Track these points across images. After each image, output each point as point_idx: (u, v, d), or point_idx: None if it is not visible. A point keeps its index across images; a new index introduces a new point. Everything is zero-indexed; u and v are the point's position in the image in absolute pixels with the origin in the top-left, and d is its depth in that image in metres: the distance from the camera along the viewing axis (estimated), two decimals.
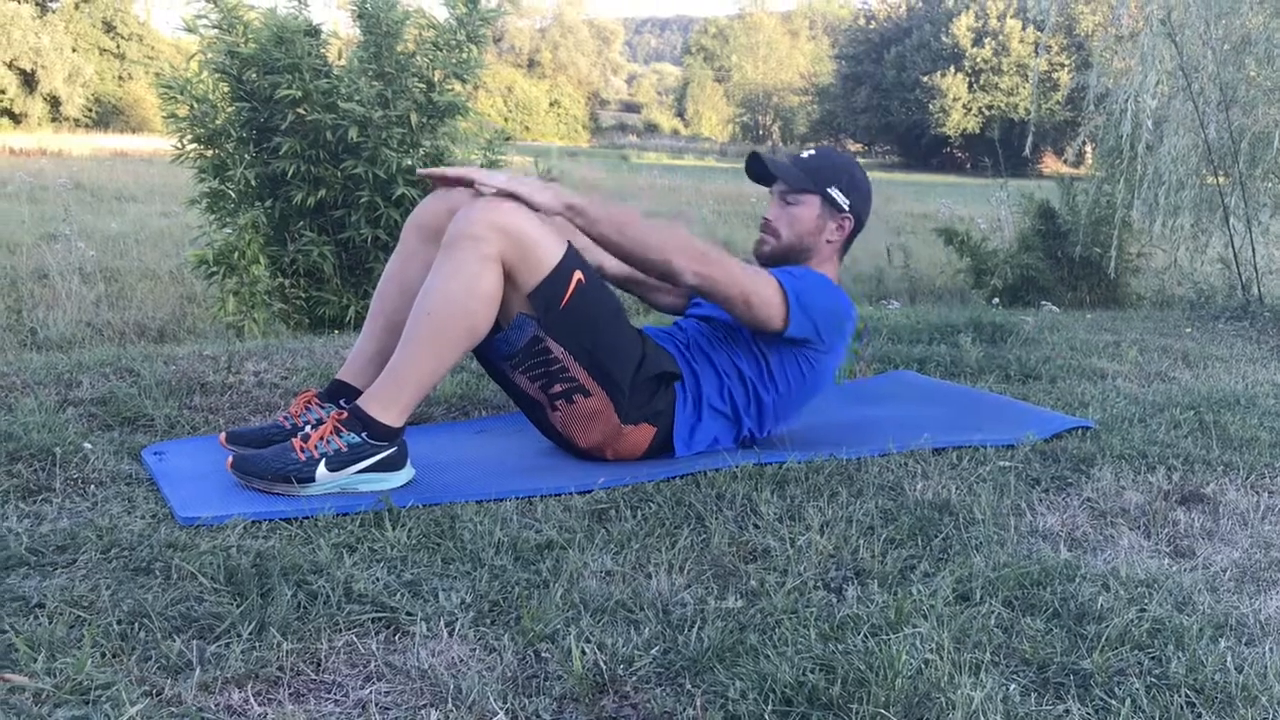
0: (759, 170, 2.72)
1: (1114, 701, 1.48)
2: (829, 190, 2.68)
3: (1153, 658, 1.61)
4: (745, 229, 15.43)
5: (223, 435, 2.43)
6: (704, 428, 2.58)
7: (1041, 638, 1.65)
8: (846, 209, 2.70)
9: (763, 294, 2.48)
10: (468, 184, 2.36)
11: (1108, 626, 1.68)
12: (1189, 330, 5.04)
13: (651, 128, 72.17)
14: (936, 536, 2.07)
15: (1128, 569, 1.93)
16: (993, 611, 1.74)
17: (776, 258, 2.70)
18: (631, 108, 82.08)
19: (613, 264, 2.69)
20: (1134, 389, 3.47)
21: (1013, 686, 1.51)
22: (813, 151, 2.78)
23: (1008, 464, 2.56)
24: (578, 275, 2.34)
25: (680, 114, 74.73)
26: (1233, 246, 6.60)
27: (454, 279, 2.23)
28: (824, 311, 2.59)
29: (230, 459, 2.22)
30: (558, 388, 2.41)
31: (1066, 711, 1.46)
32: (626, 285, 2.83)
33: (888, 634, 1.63)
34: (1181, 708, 1.47)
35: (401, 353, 2.26)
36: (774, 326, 2.53)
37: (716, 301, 2.48)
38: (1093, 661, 1.57)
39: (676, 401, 2.54)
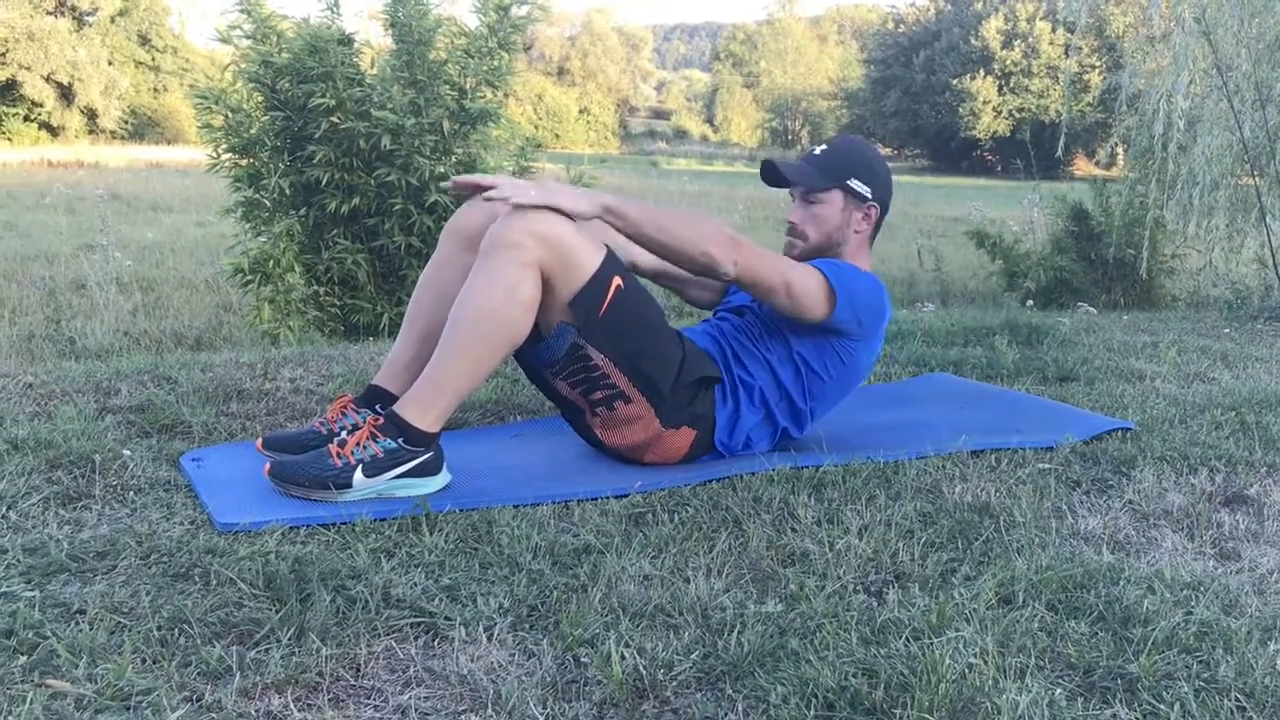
0: (775, 176, 2.65)
1: (1162, 706, 1.46)
2: (849, 183, 2.64)
3: (1201, 661, 1.58)
4: (776, 233, 15.41)
5: (259, 441, 2.43)
6: (741, 425, 2.57)
7: (1086, 641, 1.63)
8: (870, 198, 2.66)
9: (804, 282, 2.47)
10: (497, 196, 2.29)
11: (1154, 630, 1.65)
12: (1227, 331, 4.98)
13: (681, 134, 72.20)
14: (977, 539, 2.05)
15: (1172, 571, 1.90)
16: (1036, 615, 1.72)
17: (807, 258, 2.65)
18: (661, 114, 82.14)
19: (646, 259, 2.69)
20: (1173, 390, 3.43)
21: (1058, 691, 1.49)
22: (824, 147, 2.73)
23: (1047, 466, 2.53)
24: (616, 281, 2.34)
25: (709, 120, 74.79)
26: (1270, 246, 6.53)
27: (493, 286, 2.22)
28: (864, 299, 2.56)
29: (268, 465, 2.23)
30: (598, 394, 2.40)
31: (1114, 716, 1.44)
32: (660, 279, 2.81)
33: (930, 638, 1.61)
34: (1232, 712, 1.45)
35: (439, 359, 2.26)
36: (816, 314, 2.51)
37: (758, 293, 2.46)
38: (1139, 665, 1.55)
39: (716, 401, 2.54)
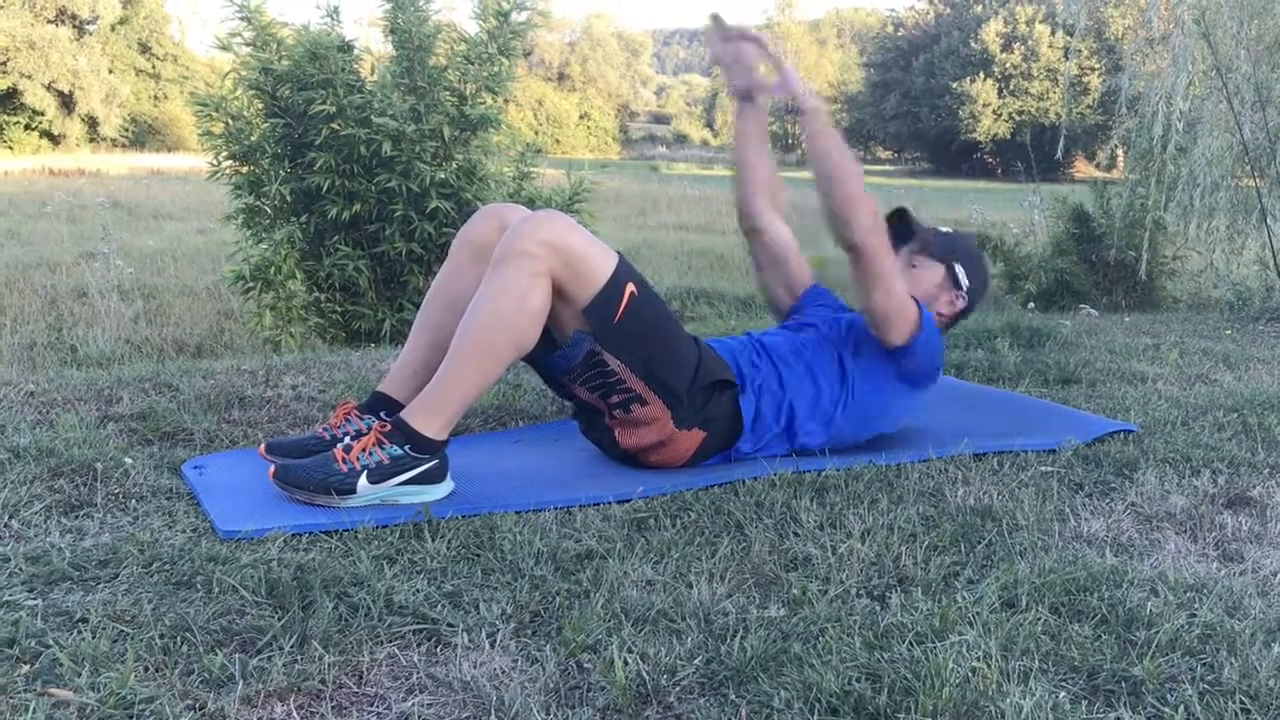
0: (902, 229, 2.82)
1: (1166, 709, 1.45)
2: (956, 265, 2.81)
3: (1205, 664, 1.58)
4: None
5: (262, 446, 2.44)
6: (760, 434, 2.58)
7: (1090, 644, 1.63)
8: (964, 288, 2.80)
9: (905, 300, 2.59)
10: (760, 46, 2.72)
11: (1157, 632, 1.65)
12: (1228, 332, 4.98)
13: (681, 138, 72.19)
14: (980, 543, 2.05)
15: (1176, 574, 1.90)
16: (1039, 618, 1.72)
17: None
18: (661, 119, 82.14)
19: (771, 220, 2.87)
20: (1175, 392, 3.43)
21: (1062, 694, 1.49)
22: (949, 230, 2.90)
23: (1050, 469, 2.53)
24: (630, 288, 2.34)
25: (709, 124, 74.75)
26: (1271, 247, 6.52)
27: (504, 295, 2.23)
28: (934, 348, 2.69)
29: (273, 469, 2.23)
30: (615, 398, 2.41)
31: (1118, 719, 1.44)
32: (766, 241, 2.90)
33: (933, 642, 1.61)
34: (1236, 714, 1.44)
35: (447, 367, 2.26)
36: (895, 333, 2.60)
37: (863, 277, 2.54)
38: (1143, 668, 1.54)
39: (740, 406, 2.55)
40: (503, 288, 2.23)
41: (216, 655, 1.54)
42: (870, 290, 2.55)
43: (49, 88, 38.98)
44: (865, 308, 2.60)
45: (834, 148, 2.52)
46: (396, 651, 1.59)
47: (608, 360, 2.35)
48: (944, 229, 2.89)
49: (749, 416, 2.56)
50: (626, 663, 1.54)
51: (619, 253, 2.38)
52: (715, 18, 2.80)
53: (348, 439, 2.36)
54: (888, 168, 51.48)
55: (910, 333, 2.61)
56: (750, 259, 2.99)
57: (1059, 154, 9.03)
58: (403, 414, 2.28)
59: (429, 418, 2.25)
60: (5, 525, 2.02)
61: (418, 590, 1.78)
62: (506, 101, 6.23)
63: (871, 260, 2.51)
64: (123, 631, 1.61)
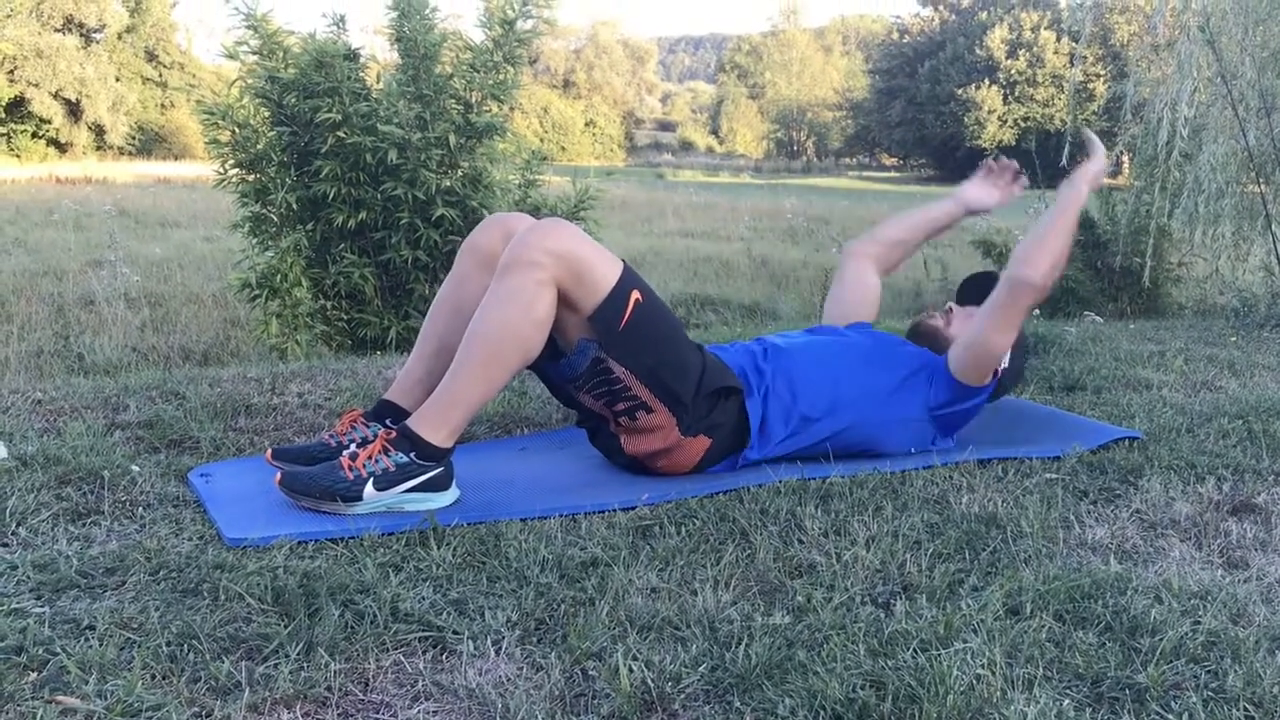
0: (983, 285, 2.89)
1: (1170, 716, 1.45)
2: None
3: (1209, 671, 1.58)
4: (782, 243, 15.42)
5: (269, 452, 2.44)
6: (768, 439, 2.58)
7: (1094, 651, 1.63)
8: (1001, 367, 2.81)
9: (1004, 350, 2.70)
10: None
11: (1162, 639, 1.65)
12: (1234, 339, 4.97)
13: (686, 145, 72.32)
14: (984, 550, 2.05)
15: (1180, 581, 1.90)
16: (1044, 625, 1.72)
17: (930, 334, 2.90)
18: (666, 126, 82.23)
19: (860, 270, 3.10)
20: (1180, 399, 3.43)
21: (1066, 701, 1.49)
22: None
23: (1054, 476, 2.53)
24: (635, 295, 2.35)
25: (715, 131, 74.87)
26: (1276, 254, 6.51)
27: (509, 304, 2.24)
28: (976, 407, 2.77)
29: (279, 475, 2.23)
30: (621, 405, 2.42)
31: None
32: (843, 282, 3.12)
33: (938, 649, 1.61)
34: None
35: (453, 375, 2.27)
36: (975, 372, 2.70)
37: (1002, 309, 2.64)
38: (1147, 675, 1.54)
39: (748, 412, 2.55)
40: (508, 296, 2.25)
41: (223, 663, 1.54)
42: (998, 322, 2.64)
43: (56, 96, 39.12)
44: (978, 334, 2.66)
45: (1073, 216, 2.77)
46: (402, 659, 1.60)
47: (613, 368, 2.36)
48: None
49: (755, 423, 2.56)
50: (631, 670, 1.54)
51: (624, 260, 2.39)
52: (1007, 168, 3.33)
53: (353, 446, 2.37)
54: (893, 174, 51.45)
55: (983, 382, 2.72)
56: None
57: (1064, 160, 8.96)
58: (408, 421, 2.29)
59: (435, 425, 2.26)
60: (13, 533, 2.02)
61: (423, 598, 1.79)
62: (512, 109, 6.26)
63: (1020, 299, 2.63)
64: (130, 639, 1.61)
